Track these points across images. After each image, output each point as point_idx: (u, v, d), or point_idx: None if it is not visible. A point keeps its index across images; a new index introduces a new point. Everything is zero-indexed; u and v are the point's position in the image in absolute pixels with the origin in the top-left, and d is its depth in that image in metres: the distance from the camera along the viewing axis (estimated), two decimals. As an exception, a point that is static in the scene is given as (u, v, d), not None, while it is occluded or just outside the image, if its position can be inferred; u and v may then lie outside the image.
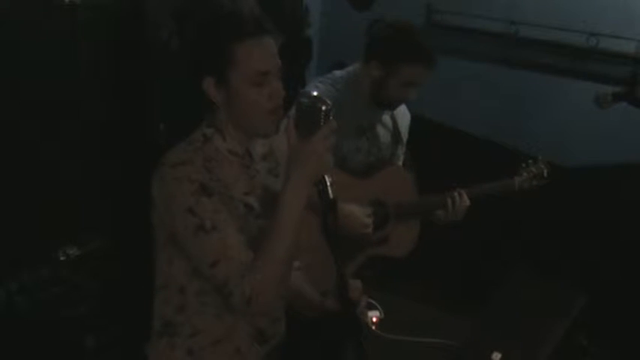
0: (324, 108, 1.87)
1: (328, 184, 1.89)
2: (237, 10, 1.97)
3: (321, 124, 1.87)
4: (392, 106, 3.06)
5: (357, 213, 2.92)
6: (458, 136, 4.26)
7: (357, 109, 2.96)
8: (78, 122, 3.38)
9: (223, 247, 1.89)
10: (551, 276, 2.55)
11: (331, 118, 1.89)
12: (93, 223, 3.54)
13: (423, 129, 4.36)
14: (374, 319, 2.56)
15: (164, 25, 3.44)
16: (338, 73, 3.03)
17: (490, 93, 4.22)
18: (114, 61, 3.51)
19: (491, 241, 3.95)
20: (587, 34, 3.82)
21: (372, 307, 2.58)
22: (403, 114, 3.21)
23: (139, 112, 3.60)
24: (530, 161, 3.20)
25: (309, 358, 2.44)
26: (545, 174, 3.20)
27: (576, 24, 3.85)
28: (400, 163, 3.25)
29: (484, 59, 4.22)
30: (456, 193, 3.03)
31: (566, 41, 3.91)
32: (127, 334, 3.36)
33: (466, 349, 2.38)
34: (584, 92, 3.55)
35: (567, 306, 2.37)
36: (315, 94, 1.90)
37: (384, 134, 3.15)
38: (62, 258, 3.40)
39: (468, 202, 3.04)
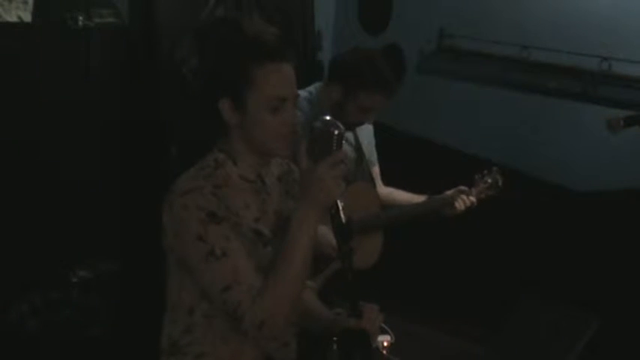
0: (336, 132, 1.86)
1: (340, 208, 1.89)
2: (261, 33, 1.98)
3: (334, 148, 1.86)
4: (350, 128, 3.12)
5: (329, 235, 2.88)
6: (465, 159, 4.26)
7: None
8: (90, 145, 3.40)
9: (234, 273, 1.88)
10: (563, 300, 2.54)
11: (344, 142, 1.89)
12: (104, 246, 3.55)
13: (431, 151, 4.39)
14: (385, 343, 2.55)
15: (178, 46, 3.46)
16: (301, 93, 3.01)
17: (501, 117, 4.21)
18: (127, 84, 3.53)
19: (503, 266, 3.93)
20: (599, 58, 3.81)
21: (382, 331, 2.57)
22: (365, 128, 3.30)
23: (151, 134, 3.61)
24: (485, 172, 3.31)
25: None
26: (500, 183, 3.30)
27: (588, 48, 3.84)
28: (367, 177, 3.33)
29: (495, 83, 4.22)
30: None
31: (578, 65, 3.90)
32: (137, 353, 3.36)
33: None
34: (595, 116, 3.55)
35: (580, 330, 2.36)
36: (328, 118, 1.90)
37: (349, 151, 3.21)
38: (73, 280, 3.41)
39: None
